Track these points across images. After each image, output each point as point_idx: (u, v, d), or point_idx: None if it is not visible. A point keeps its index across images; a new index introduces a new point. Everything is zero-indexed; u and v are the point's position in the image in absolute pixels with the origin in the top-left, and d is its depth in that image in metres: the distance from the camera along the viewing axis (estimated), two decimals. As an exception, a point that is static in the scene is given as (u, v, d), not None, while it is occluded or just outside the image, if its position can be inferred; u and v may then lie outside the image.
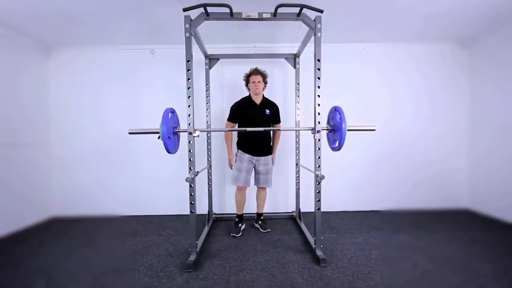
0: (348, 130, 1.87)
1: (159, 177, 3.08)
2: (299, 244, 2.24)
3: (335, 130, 1.98)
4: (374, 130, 2.04)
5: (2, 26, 2.46)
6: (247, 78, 2.51)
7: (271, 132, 2.60)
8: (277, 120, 2.60)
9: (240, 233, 2.45)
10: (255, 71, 2.46)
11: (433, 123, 3.11)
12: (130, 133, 1.94)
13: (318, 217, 1.98)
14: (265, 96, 2.56)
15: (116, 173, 3.08)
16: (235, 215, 2.59)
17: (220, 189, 3.04)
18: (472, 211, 3.05)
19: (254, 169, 2.52)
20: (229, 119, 2.50)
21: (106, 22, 2.46)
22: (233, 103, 2.52)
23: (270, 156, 2.55)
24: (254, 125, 2.40)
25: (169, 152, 1.85)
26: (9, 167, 2.58)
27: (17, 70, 2.68)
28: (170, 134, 1.83)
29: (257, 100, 2.48)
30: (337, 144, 1.95)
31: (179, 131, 1.99)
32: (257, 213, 2.65)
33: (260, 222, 2.60)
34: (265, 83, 2.51)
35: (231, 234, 2.42)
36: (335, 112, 1.95)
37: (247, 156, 2.46)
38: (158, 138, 1.77)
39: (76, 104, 3.04)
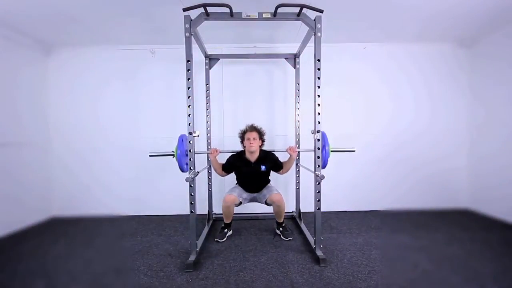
0: (332, 151, 2.11)
1: (159, 177, 3.08)
2: (299, 244, 2.24)
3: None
4: (354, 151, 2.22)
5: (2, 26, 2.46)
6: (242, 135, 2.41)
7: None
8: (279, 167, 2.46)
9: (225, 239, 2.33)
10: (251, 128, 2.38)
11: (433, 123, 3.11)
12: (150, 156, 2.18)
13: (318, 217, 1.98)
14: (263, 149, 2.45)
15: (116, 173, 3.08)
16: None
17: (220, 189, 3.04)
18: (472, 211, 3.05)
19: (255, 198, 2.47)
20: (222, 167, 2.46)
21: (106, 22, 2.46)
22: (232, 154, 2.46)
23: (268, 185, 2.51)
24: (250, 180, 2.41)
25: (182, 171, 2.06)
26: (8, 166, 2.58)
27: (17, 70, 2.68)
28: (183, 156, 2.02)
29: (252, 157, 2.37)
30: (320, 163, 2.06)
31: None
32: (277, 222, 2.44)
33: (281, 229, 2.40)
34: (262, 140, 2.42)
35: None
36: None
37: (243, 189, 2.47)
38: (173, 157, 2.06)
39: (76, 103, 3.04)
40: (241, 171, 2.42)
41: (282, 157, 2.49)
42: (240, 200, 2.35)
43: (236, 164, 2.41)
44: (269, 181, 2.54)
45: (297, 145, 2.79)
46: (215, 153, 2.36)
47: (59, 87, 3.03)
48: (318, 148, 1.97)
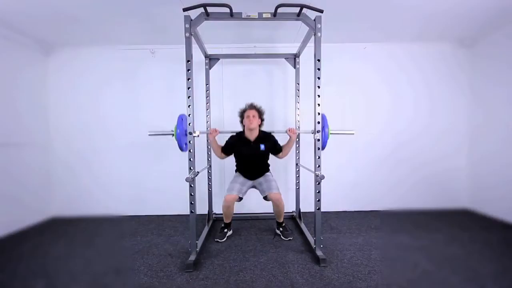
0: (331, 133, 2.16)
1: (159, 177, 3.08)
2: (299, 244, 2.24)
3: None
4: (353, 134, 2.28)
5: (2, 26, 2.46)
6: (242, 113, 2.42)
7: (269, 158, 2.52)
8: (279, 150, 2.47)
9: (225, 239, 2.33)
10: (250, 106, 2.40)
11: (433, 122, 3.11)
12: (149, 135, 2.15)
13: (318, 217, 1.98)
14: (262, 129, 2.46)
15: (116, 173, 3.08)
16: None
17: (220, 189, 3.04)
18: (472, 211, 3.05)
19: (255, 187, 2.45)
20: (222, 149, 2.45)
21: (106, 22, 2.46)
22: (231, 135, 2.47)
23: (267, 173, 2.48)
24: (249, 161, 2.40)
25: (182, 150, 2.03)
26: (9, 166, 2.58)
27: (17, 70, 2.68)
28: (183, 135, 2.00)
29: (252, 136, 2.37)
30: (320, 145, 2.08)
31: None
32: (277, 222, 2.44)
33: (281, 228, 2.40)
34: (262, 119, 2.42)
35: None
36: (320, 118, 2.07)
37: (243, 178, 2.45)
38: (173, 136, 2.03)
39: (76, 103, 3.04)
40: (240, 152, 2.41)
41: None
42: (241, 196, 2.34)
43: (236, 144, 2.41)
44: (268, 166, 2.53)
45: (297, 145, 2.79)
46: (214, 133, 2.35)
47: (59, 87, 3.02)
48: (318, 148, 1.97)
